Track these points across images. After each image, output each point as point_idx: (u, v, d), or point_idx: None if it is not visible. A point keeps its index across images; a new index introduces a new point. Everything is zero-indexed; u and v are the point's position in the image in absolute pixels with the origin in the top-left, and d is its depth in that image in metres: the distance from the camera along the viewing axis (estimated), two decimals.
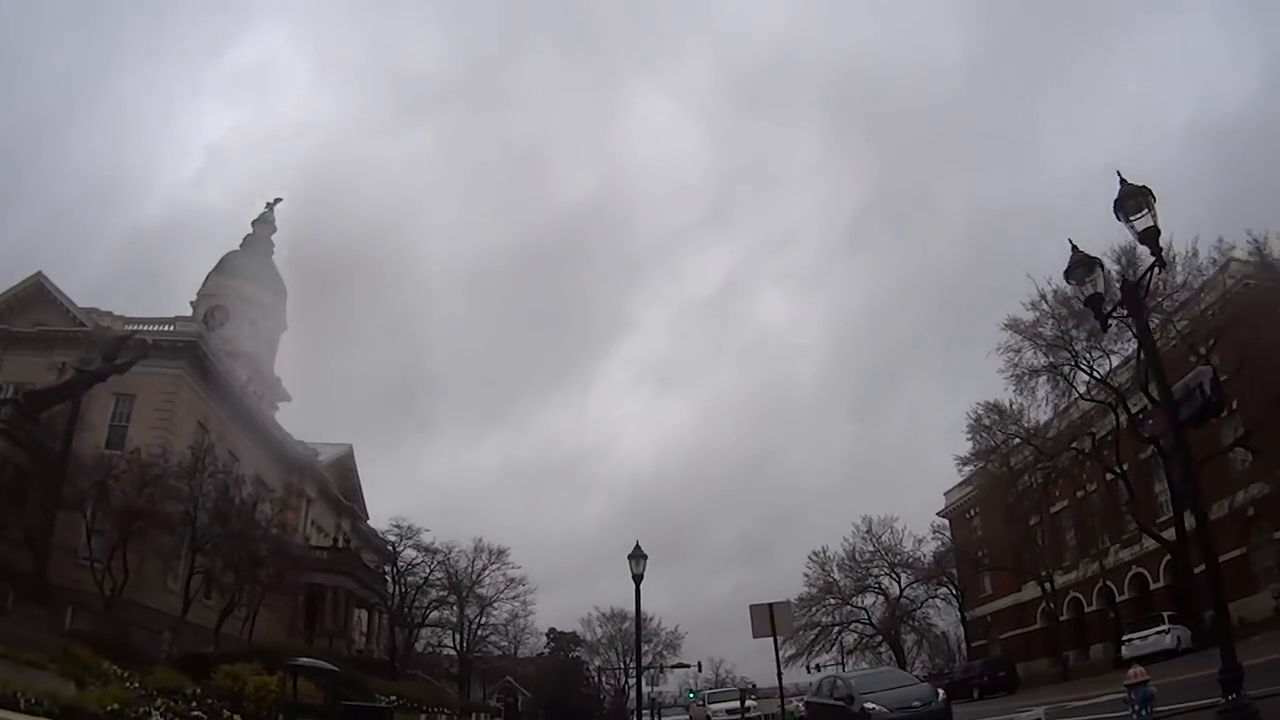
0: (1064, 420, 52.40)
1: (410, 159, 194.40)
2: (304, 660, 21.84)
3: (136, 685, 21.41)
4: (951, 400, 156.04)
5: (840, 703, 25.84)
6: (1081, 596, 60.53)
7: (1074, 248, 15.22)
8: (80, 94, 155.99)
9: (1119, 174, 14.02)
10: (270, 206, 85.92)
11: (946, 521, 79.60)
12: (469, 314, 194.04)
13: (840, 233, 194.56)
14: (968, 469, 61.62)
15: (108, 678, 20.67)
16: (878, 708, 23.60)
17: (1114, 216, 14.02)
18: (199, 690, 24.75)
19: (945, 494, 79.66)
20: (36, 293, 53.37)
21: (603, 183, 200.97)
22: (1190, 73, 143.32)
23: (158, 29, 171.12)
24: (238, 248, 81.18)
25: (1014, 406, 51.26)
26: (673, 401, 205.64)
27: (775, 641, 29.13)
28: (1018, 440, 53.11)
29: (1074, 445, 51.20)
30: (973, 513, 74.72)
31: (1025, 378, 47.59)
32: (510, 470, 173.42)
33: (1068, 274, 15.57)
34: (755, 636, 29.24)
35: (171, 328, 53.15)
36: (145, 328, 51.78)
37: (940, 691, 26.11)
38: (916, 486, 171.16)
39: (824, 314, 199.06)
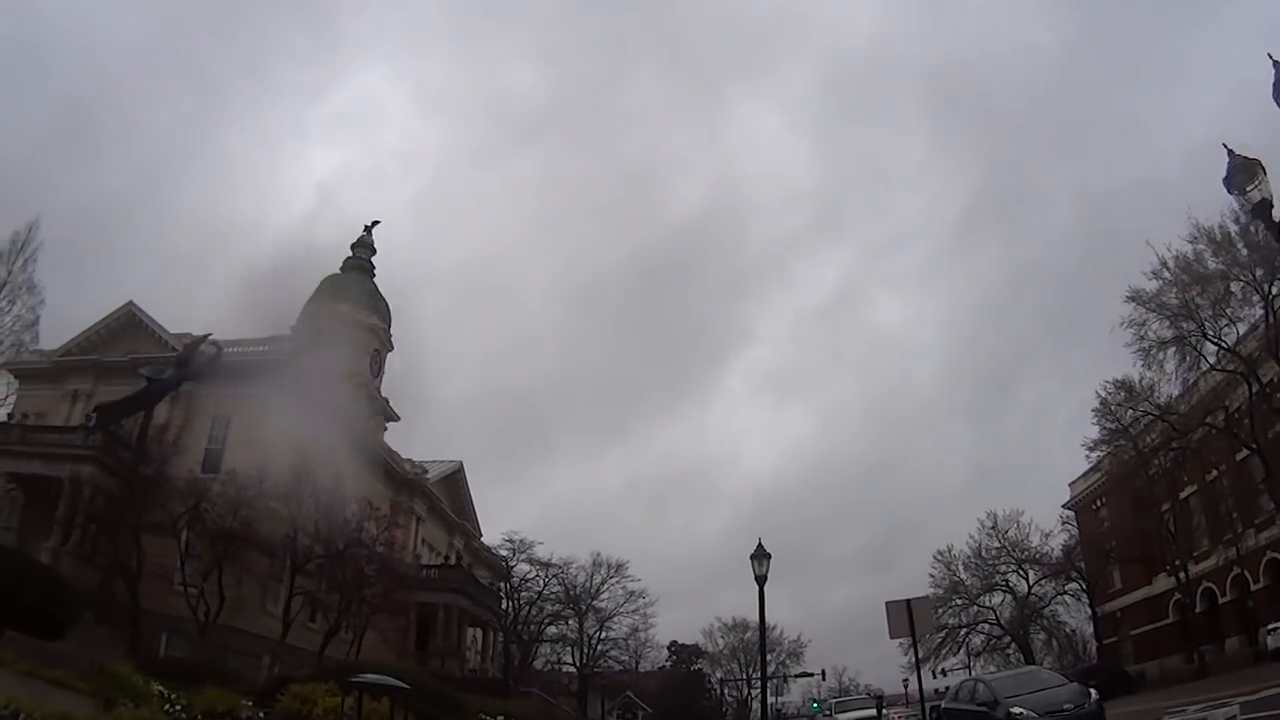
0: (1193, 395, 49.54)
1: (518, 185, 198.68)
2: (368, 676, 20.04)
3: (179, 708, 19.87)
4: (1069, 394, 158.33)
5: (982, 708, 23.59)
6: (1214, 587, 56.51)
7: (1230, 152, 13.15)
8: (190, 150, 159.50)
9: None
10: (368, 230, 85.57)
11: (1072, 514, 76.25)
12: (585, 334, 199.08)
13: (949, 231, 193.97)
14: (1095, 455, 58.28)
15: (145, 698, 19.16)
16: (1025, 712, 21.49)
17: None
18: (262, 714, 23.34)
19: (1070, 484, 76.90)
20: (129, 322, 53.35)
21: (712, 197, 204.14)
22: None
23: (256, 81, 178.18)
24: (337, 272, 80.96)
25: (1143, 382, 48.21)
26: (792, 411, 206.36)
27: (915, 640, 26.88)
28: (1149, 417, 49.85)
29: (1207, 420, 47.88)
30: (1099, 503, 71.98)
31: (1153, 350, 44.91)
32: (631, 487, 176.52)
33: (1227, 182, 13.34)
34: (892, 636, 27.13)
35: (266, 348, 52.28)
36: (240, 349, 51.43)
37: (1093, 691, 23.54)
38: (1039, 484, 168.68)
39: (938, 315, 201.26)
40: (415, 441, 76.48)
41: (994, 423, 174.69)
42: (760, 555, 30.24)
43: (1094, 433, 54.21)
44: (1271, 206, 12.73)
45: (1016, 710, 21.62)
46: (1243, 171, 12.73)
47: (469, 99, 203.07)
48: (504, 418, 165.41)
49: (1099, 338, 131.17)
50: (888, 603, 26.77)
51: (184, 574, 40.32)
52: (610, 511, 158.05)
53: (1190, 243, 42.15)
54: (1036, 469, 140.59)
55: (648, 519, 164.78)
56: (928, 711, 31.15)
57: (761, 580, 29.96)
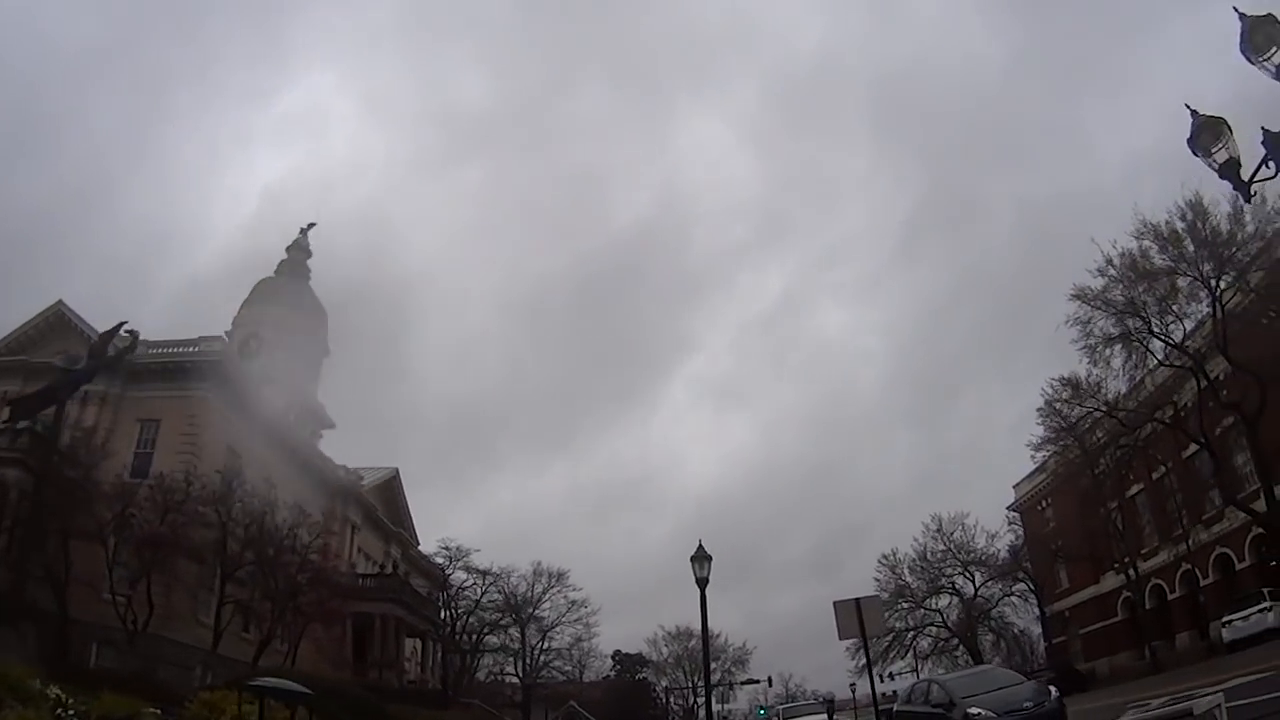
0: (1140, 392, 49.44)
1: (463, 194, 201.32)
2: (267, 680, 18.97)
3: (73, 713, 18.57)
4: (1011, 400, 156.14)
5: (938, 710, 22.80)
6: (1163, 583, 56.82)
7: (1193, 112, 12.71)
8: (131, 152, 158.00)
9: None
10: (304, 232, 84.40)
11: (1018, 515, 76.26)
12: (530, 344, 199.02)
13: (892, 239, 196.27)
14: (1041, 455, 58.19)
15: (37, 701, 17.95)
16: (984, 712, 20.62)
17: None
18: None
19: (1014, 486, 76.81)
20: (58, 323, 51.63)
21: (657, 206, 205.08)
22: (1226, 52, 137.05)
23: (203, 83, 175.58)
24: (271, 274, 79.54)
25: (1090, 379, 47.93)
26: (735, 419, 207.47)
27: (865, 642, 26.20)
28: (1098, 413, 49.65)
29: (1155, 416, 47.86)
30: (1045, 503, 71.88)
31: (1099, 348, 44.49)
32: (574, 497, 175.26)
33: (1191, 143, 12.79)
34: (842, 637, 26.26)
35: (196, 349, 50.78)
36: (169, 350, 50.03)
37: (1052, 689, 22.88)
38: (982, 489, 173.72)
39: (880, 322, 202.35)
40: (358, 452, 75.98)
41: (937, 429, 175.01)
42: (700, 557, 29.19)
43: (1039, 433, 53.90)
44: (1239, 165, 12.37)
45: (974, 710, 20.83)
46: (1207, 131, 12.38)
47: (416, 107, 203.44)
48: (448, 428, 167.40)
49: (1040, 344, 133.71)
50: (835, 603, 25.96)
51: (112, 582, 38.76)
52: (554, 521, 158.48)
53: (1137, 239, 41.96)
54: (979, 474, 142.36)
55: (591, 528, 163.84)
56: (879, 716, 30.43)
57: (703, 583, 28.82)
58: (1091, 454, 52.02)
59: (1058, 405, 50.94)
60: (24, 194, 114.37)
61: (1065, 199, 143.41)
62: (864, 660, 74.71)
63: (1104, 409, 48.81)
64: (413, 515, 79.45)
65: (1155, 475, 55.68)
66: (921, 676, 38.75)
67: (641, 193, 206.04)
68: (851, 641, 77.01)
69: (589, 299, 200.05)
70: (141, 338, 50.66)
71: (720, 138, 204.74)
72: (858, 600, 25.64)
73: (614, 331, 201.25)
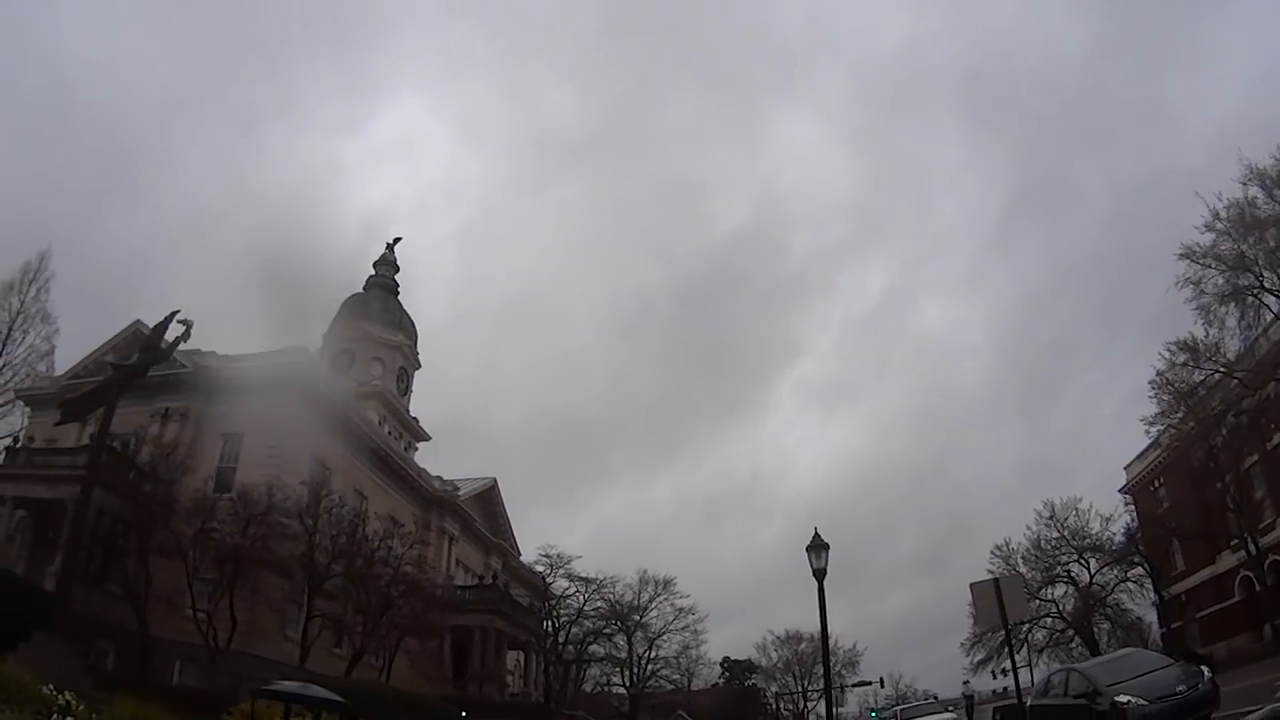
0: (1256, 353, 45.84)
1: (561, 211, 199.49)
2: (288, 685, 16.91)
3: (69, 717, 16.59)
4: (1114, 385, 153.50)
5: (1080, 700, 20.11)
6: None
7: None
8: (226, 190, 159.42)
9: None
10: (390, 247, 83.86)
11: (1129, 498, 72.34)
12: (634, 355, 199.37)
13: (989, 231, 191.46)
14: (1155, 430, 54.39)
15: (32, 703, 16.13)
16: (1134, 700, 18.20)
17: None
18: None
19: (1125, 468, 73.41)
20: (135, 342, 50.55)
21: (753, 211, 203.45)
22: None
23: (292, 117, 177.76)
24: (360, 291, 78.82)
25: (1209, 339, 44.27)
26: (841, 421, 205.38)
27: (1006, 626, 22.90)
28: (1217, 374, 45.95)
29: (1278, 374, 44.09)
30: (1157, 483, 68.18)
31: (1213, 307, 41.37)
32: (683, 507, 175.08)
33: None
34: (980, 625, 23.68)
35: (281, 362, 49.45)
36: (253, 363, 48.86)
37: (1204, 669, 20.06)
38: (1090, 477, 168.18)
39: (981, 315, 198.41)
40: (466, 469, 73.84)
41: (1041, 418, 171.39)
42: (817, 547, 26.44)
43: (1151, 409, 50.34)
44: None
45: (1124, 699, 18.42)
46: None
47: (509, 127, 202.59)
48: (555, 442, 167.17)
49: (1141, 326, 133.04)
50: (972, 585, 23.01)
51: (193, 598, 37.39)
52: (663, 531, 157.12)
53: (1243, 185, 39.10)
54: (1086, 461, 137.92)
55: (700, 537, 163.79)
56: (1026, 712, 27.37)
57: (820, 574, 26.05)
58: (1207, 423, 48.42)
59: (1170, 375, 47.39)
60: (121, 238, 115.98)
61: (1158, 176, 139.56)
62: (981, 655, 71.93)
63: (1223, 370, 45.12)
64: (517, 529, 77.99)
65: (1269, 445, 51.86)
66: (1057, 666, 34.88)
67: (737, 198, 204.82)
68: (966, 637, 74.74)
69: (691, 308, 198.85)
70: (218, 353, 49.84)
71: (811, 138, 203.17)
72: (996, 580, 22.61)
73: (718, 339, 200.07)
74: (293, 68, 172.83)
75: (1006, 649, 72.23)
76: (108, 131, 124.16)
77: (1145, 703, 18.01)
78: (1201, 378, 46.51)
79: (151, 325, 38.70)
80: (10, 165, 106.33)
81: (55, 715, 15.86)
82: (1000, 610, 21.46)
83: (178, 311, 36.84)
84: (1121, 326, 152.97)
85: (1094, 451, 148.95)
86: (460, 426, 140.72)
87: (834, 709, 27.05)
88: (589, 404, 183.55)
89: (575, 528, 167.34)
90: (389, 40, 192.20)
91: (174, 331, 37.61)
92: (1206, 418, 47.57)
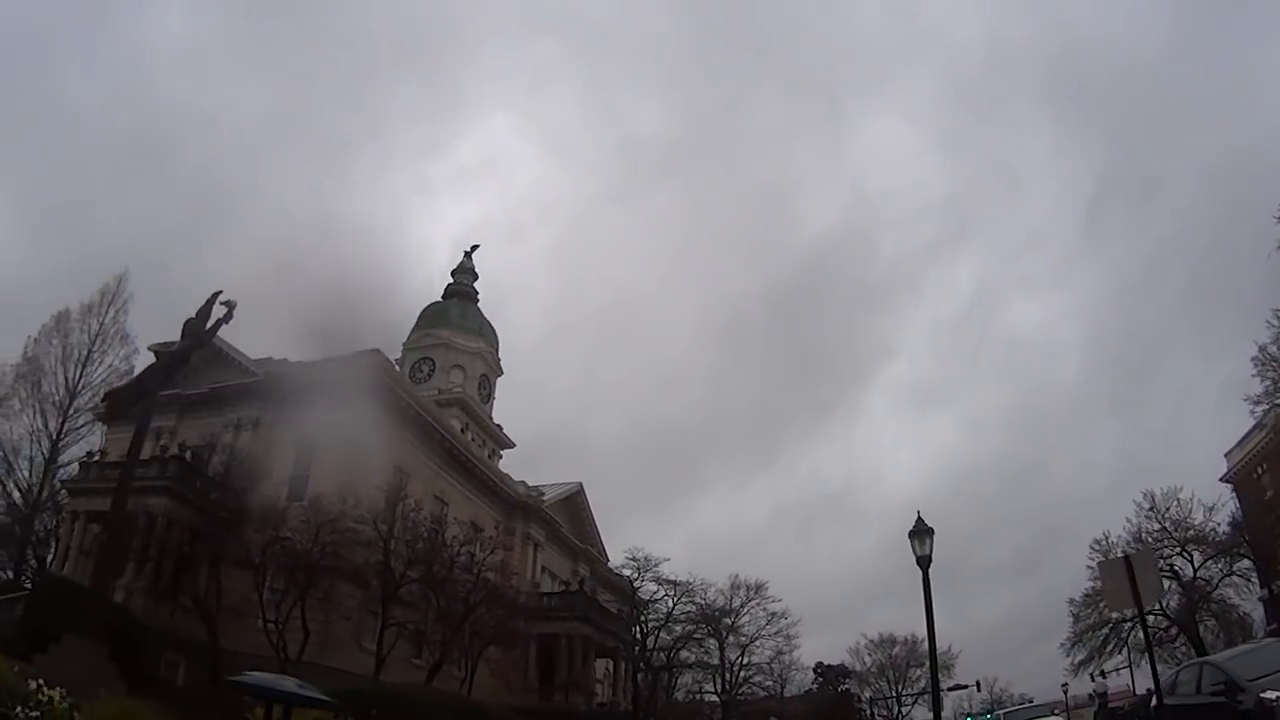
0: None
1: (651, 221, 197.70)
2: (256, 677, 15.19)
3: (35, 713, 15.04)
4: (1211, 374, 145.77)
5: (1218, 698, 17.70)
6: None
7: None
8: (318, 221, 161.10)
9: None
10: (469, 254, 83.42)
11: (1230, 487, 68.99)
12: (728, 363, 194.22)
13: (1078, 223, 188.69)
14: (1260, 409, 51.34)
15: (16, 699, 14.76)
16: None
17: None
18: None
19: (1226, 455, 71.24)
20: (210, 354, 49.73)
21: (841, 214, 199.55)
22: None
23: (380, 143, 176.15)
24: (439, 300, 78.14)
25: None
26: (935, 423, 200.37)
27: (1141, 610, 19.92)
28: None
29: None
30: (1261, 469, 66.22)
31: None
32: (778, 513, 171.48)
33: None
34: (1111, 607, 21.17)
35: (352, 368, 48.43)
36: (325, 368, 47.88)
37: None
38: (1187, 471, 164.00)
39: (1073, 309, 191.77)
40: (561, 479, 72.74)
41: (1136, 415, 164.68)
42: (921, 532, 24.60)
43: (1254, 391, 47.50)
44: None
45: (1273, 695, 15.85)
46: None
47: (595, 141, 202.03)
48: (650, 452, 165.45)
49: (1236, 311, 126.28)
50: (1100, 563, 20.65)
51: (263, 608, 36.19)
52: (757, 539, 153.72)
53: None
54: (1183, 458, 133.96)
55: (794, 544, 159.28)
56: (1157, 712, 24.66)
57: (924, 561, 24.11)
58: None
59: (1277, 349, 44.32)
60: (211, 269, 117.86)
61: (1243, 158, 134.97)
62: (1082, 655, 68.86)
63: None
64: (610, 541, 76.71)
65: None
66: (1190, 661, 31.30)
67: (825, 202, 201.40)
68: (1065, 637, 71.56)
69: (783, 313, 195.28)
70: (290, 360, 48.98)
71: (896, 139, 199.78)
72: (1127, 557, 19.72)
73: (809, 343, 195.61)
74: (379, 94, 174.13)
75: (1109, 647, 70.16)
76: (199, 167, 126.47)
77: None
78: None
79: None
80: (103, 202, 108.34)
81: (20, 710, 14.45)
82: (1133, 591, 18.71)
83: (220, 293, 35.31)
84: (1215, 315, 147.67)
85: (1191, 446, 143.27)
86: (557, 440, 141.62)
87: (940, 708, 24.69)
88: (683, 413, 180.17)
89: (669, 537, 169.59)
90: (471, 61, 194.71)
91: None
92: None
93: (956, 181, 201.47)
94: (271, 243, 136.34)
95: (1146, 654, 31.66)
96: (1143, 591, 18.11)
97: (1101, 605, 65.68)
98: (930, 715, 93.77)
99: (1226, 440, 69.44)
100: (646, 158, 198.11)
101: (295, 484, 43.64)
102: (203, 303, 35.08)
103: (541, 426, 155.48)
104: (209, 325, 35.35)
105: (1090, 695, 61.46)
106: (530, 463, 71.97)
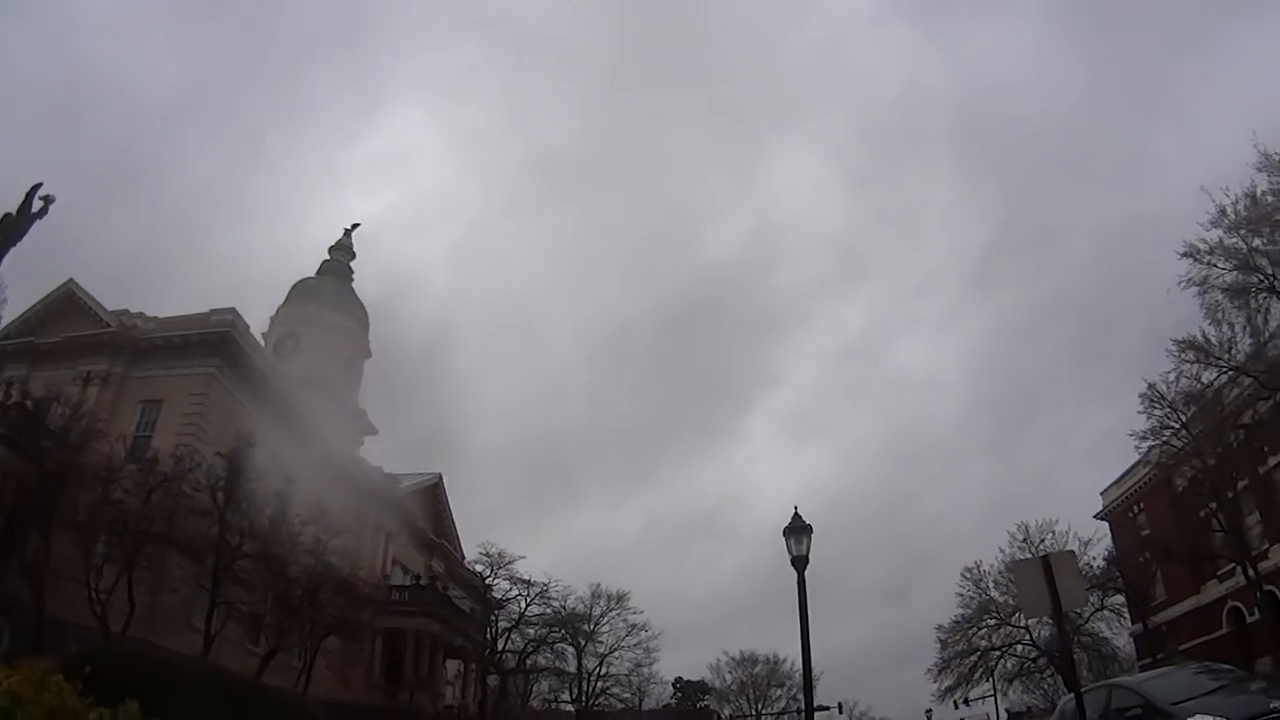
0: (1262, 358, 42.04)
1: (553, 232, 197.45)
2: None
3: None
4: (1085, 424, 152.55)
5: None
6: (1276, 590, 49.30)
7: None
8: (223, 199, 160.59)
9: None
10: (348, 232, 79.94)
11: (1106, 524, 70.00)
12: (613, 379, 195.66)
13: (971, 270, 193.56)
14: (1144, 445, 50.91)
15: None
16: None
17: None
18: None
19: (1102, 493, 71.22)
20: (68, 304, 46.70)
21: (742, 242, 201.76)
22: None
23: (294, 128, 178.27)
24: (311, 276, 74.86)
25: (1222, 339, 40.78)
26: (813, 452, 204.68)
27: (1060, 619, 17.33)
28: (1230, 373, 42.43)
29: None
30: (1137, 508, 66.23)
31: (1222, 304, 38.18)
32: (650, 530, 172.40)
33: None
34: (1028, 614, 19.08)
35: (207, 329, 45.39)
36: (177, 332, 44.83)
37: None
38: (1059, 511, 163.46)
39: (959, 352, 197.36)
40: (455, 490, 70.64)
41: (1011, 456, 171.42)
42: (798, 529, 22.07)
43: (1141, 423, 47.27)
44: None
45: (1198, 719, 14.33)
46: None
47: (508, 147, 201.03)
48: (527, 463, 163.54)
49: (1115, 368, 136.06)
50: (1014, 563, 18.27)
51: (88, 575, 32.91)
52: (627, 554, 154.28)
53: (1260, 170, 35.87)
54: (1053, 500, 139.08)
55: (665, 560, 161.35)
56: None
57: (800, 563, 21.60)
58: (1220, 426, 45.28)
59: (1169, 384, 44.23)
60: (117, 242, 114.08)
61: (1139, 223, 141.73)
62: (949, 682, 68.72)
63: (1237, 368, 41.68)
64: (476, 542, 73.83)
65: (1263, 468, 49.86)
66: (1101, 682, 28.95)
67: (728, 229, 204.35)
68: (933, 663, 71.20)
69: (672, 335, 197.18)
70: (146, 314, 46.09)
71: (808, 174, 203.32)
72: (1046, 558, 17.36)
73: (696, 366, 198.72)
74: (297, 78, 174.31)
75: (975, 675, 70.20)
76: (112, 133, 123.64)
77: None
78: (1212, 378, 43.29)
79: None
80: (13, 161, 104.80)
81: None
82: (1052, 595, 16.55)
83: (40, 185, 32.03)
84: (1094, 367, 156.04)
85: (1063, 489, 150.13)
86: (433, 438, 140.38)
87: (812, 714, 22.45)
88: (564, 424, 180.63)
89: (540, 547, 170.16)
90: (396, 55, 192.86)
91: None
92: (1223, 417, 44.46)
93: (859, 220, 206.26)
94: (175, 216, 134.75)
95: (1061, 677, 30.41)
96: (1063, 595, 15.95)
97: (1015, 615, 65.86)
98: None
99: (1099, 484, 70.73)
100: (556, 169, 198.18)
101: (138, 444, 40.47)
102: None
103: (417, 424, 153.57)
104: (21, 217, 32.09)
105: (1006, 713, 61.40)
106: (400, 457, 69.82)
